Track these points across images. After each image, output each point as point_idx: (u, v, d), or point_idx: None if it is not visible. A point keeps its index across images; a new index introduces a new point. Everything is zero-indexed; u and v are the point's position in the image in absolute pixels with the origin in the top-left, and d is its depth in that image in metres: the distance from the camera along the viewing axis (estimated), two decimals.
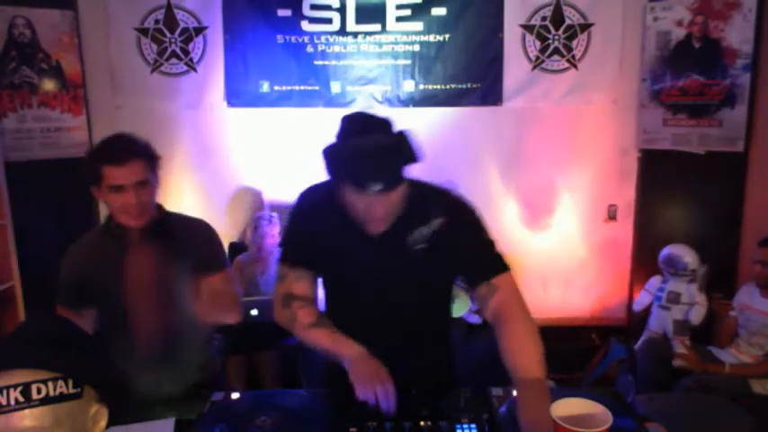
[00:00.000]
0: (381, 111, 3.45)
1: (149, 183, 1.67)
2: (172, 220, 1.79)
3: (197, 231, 1.84)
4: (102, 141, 1.69)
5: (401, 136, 1.31)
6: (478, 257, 1.47)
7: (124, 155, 1.62)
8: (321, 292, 1.63)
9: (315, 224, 1.46)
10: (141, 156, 1.65)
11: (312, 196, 1.52)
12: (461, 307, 3.07)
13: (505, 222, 3.57)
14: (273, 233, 3.20)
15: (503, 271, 1.46)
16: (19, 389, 0.86)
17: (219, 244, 1.90)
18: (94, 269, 1.70)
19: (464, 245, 1.45)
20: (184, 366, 1.82)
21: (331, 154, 1.31)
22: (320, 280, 1.59)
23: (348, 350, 1.38)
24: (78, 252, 1.75)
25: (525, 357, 1.31)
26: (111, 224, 1.71)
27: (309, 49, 3.43)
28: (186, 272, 1.77)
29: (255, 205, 3.59)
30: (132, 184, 1.62)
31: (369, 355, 1.36)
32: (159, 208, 1.77)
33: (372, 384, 1.28)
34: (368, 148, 1.27)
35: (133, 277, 1.71)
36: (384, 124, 1.35)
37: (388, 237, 1.40)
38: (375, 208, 1.31)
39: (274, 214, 3.27)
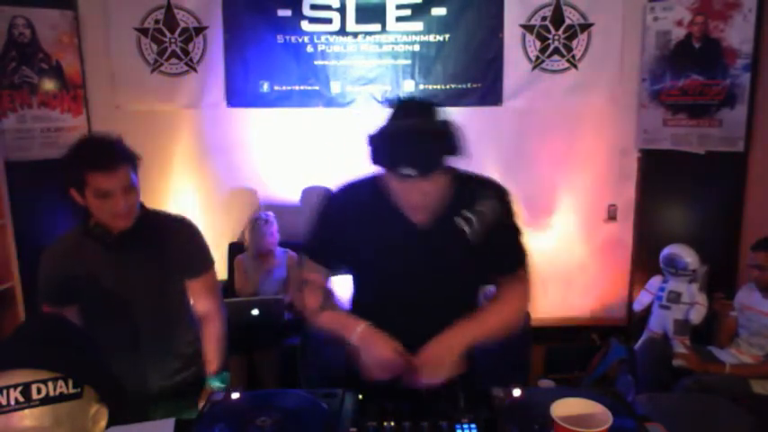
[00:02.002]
0: (381, 111, 3.46)
1: (135, 186, 1.65)
2: (154, 219, 1.78)
3: (180, 230, 1.82)
4: (83, 146, 1.64)
5: (443, 124, 1.31)
6: (511, 247, 1.52)
7: (111, 161, 1.58)
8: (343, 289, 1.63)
9: (350, 219, 1.45)
10: (127, 160, 1.63)
11: (347, 193, 1.51)
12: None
13: None
14: (272, 232, 3.19)
15: (525, 263, 1.54)
16: (19, 389, 0.86)
17: (203, 242, 1.87)
18: (76, 269, 1.69)
19: (506, 233, 1.49)
20: (170, 364, 1.82)
21: (373, 138, 1.32)
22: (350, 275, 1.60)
23: (353, 326, 1.39)
24: (58, 252, 1.73)
25: (485, 311, 1.49)
26: (93, 225, 1.69)
27: (309, 49, 3.43)
28: (169, 270, 1.77)
29: (255, 205, 3.59)
30: (120, 190, 1.60)
31: (375, 329, 1.38)
32: (141, 207, 1.75)
33: (383, 361, 1.32)
34: (404, 132, 1.29)
35: (116, 276, 1.70)
36: (430, 111, 1.35)
37: (433, 226, 1.41)
38: (411, 194, 1.32)
39: (270, 214, 3.27)
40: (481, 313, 1.48)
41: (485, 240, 1.42)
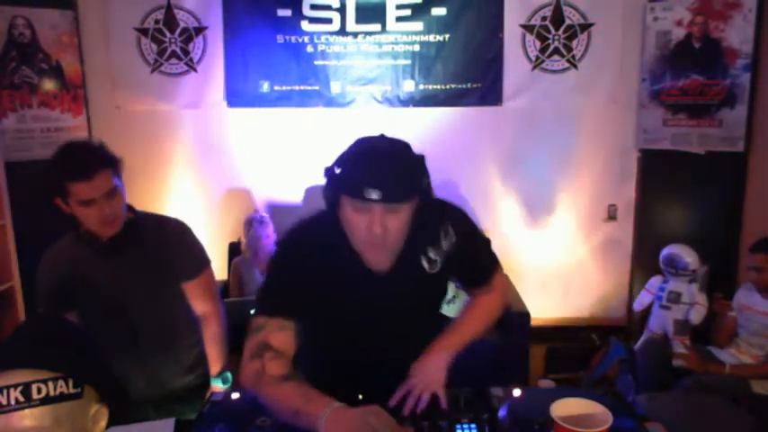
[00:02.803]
0: (381, 111, 3.48)
1: (117, 190, 1.64)
2: (145, 221, 1.76)
3: (172, 231, 1.81)
4: (62, 154, 1.61)
5: (414, 156, 1.24)
6: (478, 265, 1.50)
7: (90, 169, 1.56)
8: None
9: (307, 265, 1.30)
10: (106, 165, 1.60)
11: (301, 236, 1.37)
12: (460, 308, 3.07)
13: (505, 222, 3.58)
14: (268, 233, 3.19)
15: (495, 270, 1.53)
16: (19, 389, 0.86)
17: (197, 243, 1.86)
18: (72, 275, 1.69)
19: (468, 257, 1.43)
20: (171, 368, 1.82)
21: (335, 164, 1.22)
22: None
23: (322, 406, 1.12)
24: (54, 259, 1.73)
25: (460, 321, 1.47)
26: (83, 233, 1.69)
27: (309, 49, 3.43)
28: (164, 272, 1.76)
29: (255, 205, 3.59)
30: (101, 196, 1.59)
31: (345, 412, 1.11)
32: (130, 209, 1.74)
33: None
34: (371, 154, 1.20)
35: (110, 280, 1.70)
36: (399, 143, 1.25)
37: (393, 269, 1.32)
38: (371, 228, 1.18)
39: (265, 215, 3.27)
40: (457, 325, 1.46)
41: (450, 270, 1.39)
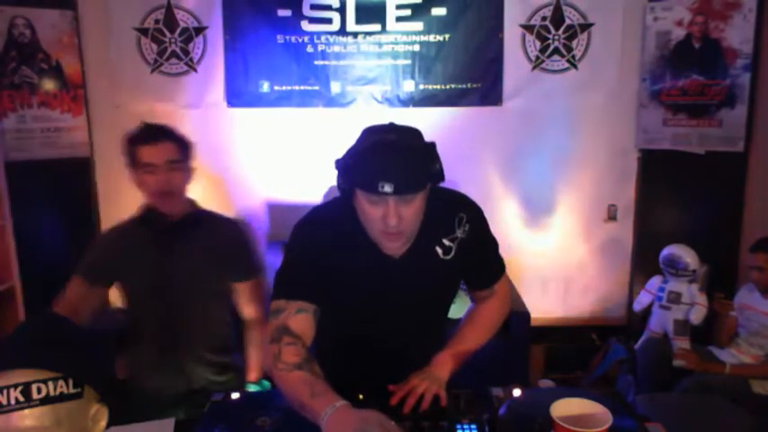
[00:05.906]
0: (381, 111, 3.47)
1: (181, 165, 1.70)
2: (204, 216, 1.80)
3: (232, 231, 1.83)
4: (137, 127, 1.74)
5: (424, 144, 1.25)
6: (487, 264, 1.50)
7: (156, 134, 1.68)
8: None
9: (323, 248, 1.32)
10: (172, 138, 1.70)
11: (318, 222, 1.38)
12: (461, 308, 3.07)
13: (505, 222, 3.57)
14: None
15: (502, 274, 1.53)
16: (19, 388, 0.86)
17: (250, 246, 1.86)
18: (122, 255, 1.72)
19: (479, 252, 1.43)
20: (201, 367, 1.79)
21: (344, 158, 1.24)
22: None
23: (324, 406, 1.12)
24: (110, 236, 1.78)
25: (465, 332, 1.50)
26: (146, 213, 1.73)
27: (309, 49, 3.44)
28: (214, 268, 1.77)
29: (255, 205, 3.59)
30: (164, 164, 1.65)
31: (346, 415, 1.11)
32: (193, 203, 1.79)
33: None
34: (383, 146, 1.19)
35: (158, 269, 1.71)
36: (409, 131, 1.26)
37: (409, 256, 1.34)
38: (386, 219, 1.20)
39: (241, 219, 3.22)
40: (462, 336, 1.48)
41: (462, 262, 1.39)
